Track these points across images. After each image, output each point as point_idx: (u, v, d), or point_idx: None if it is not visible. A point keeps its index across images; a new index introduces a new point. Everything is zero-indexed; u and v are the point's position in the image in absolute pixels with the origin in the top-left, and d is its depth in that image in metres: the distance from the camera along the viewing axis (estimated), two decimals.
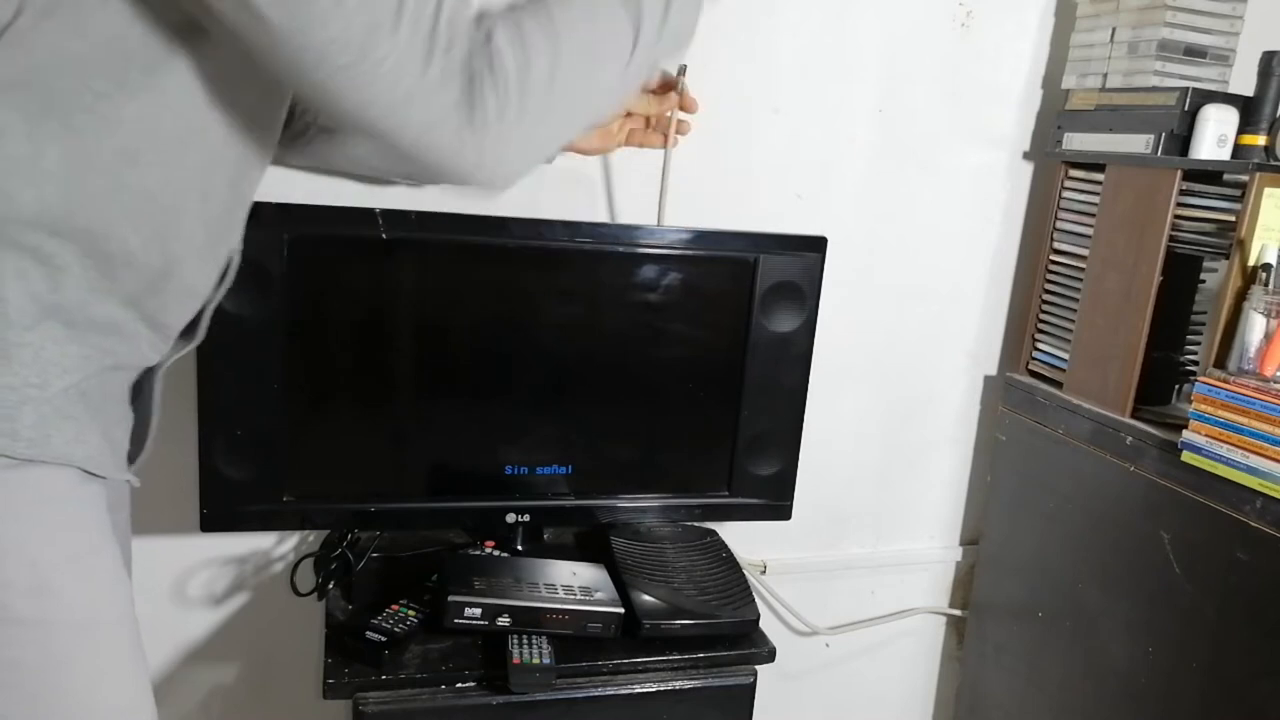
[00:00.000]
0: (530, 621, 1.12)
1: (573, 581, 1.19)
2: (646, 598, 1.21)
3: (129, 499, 1.01)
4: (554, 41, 0.78)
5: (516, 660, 1.08)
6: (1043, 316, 1.56)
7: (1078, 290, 1.47)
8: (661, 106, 1.27)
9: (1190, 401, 1.22)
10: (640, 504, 1.35)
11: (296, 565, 1.30)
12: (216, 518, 1.19)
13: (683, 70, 1.27)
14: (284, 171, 1.22)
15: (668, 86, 1.28)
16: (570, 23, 0.80)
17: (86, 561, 0.81)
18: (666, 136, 1.29)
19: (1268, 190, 1.20)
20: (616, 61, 0.83)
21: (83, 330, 0.78)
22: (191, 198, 0.82)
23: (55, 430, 0.78)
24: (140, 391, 0.92)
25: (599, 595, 1.17)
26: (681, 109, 1.28)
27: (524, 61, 0.76)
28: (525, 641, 1.12)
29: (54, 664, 0.77)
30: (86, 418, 0.79)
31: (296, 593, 1.27)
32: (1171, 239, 1.31)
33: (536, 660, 1.09)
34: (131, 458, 0.93)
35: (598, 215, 1.42)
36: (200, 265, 0.87)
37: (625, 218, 1.41)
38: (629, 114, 1.27)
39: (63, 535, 0.79)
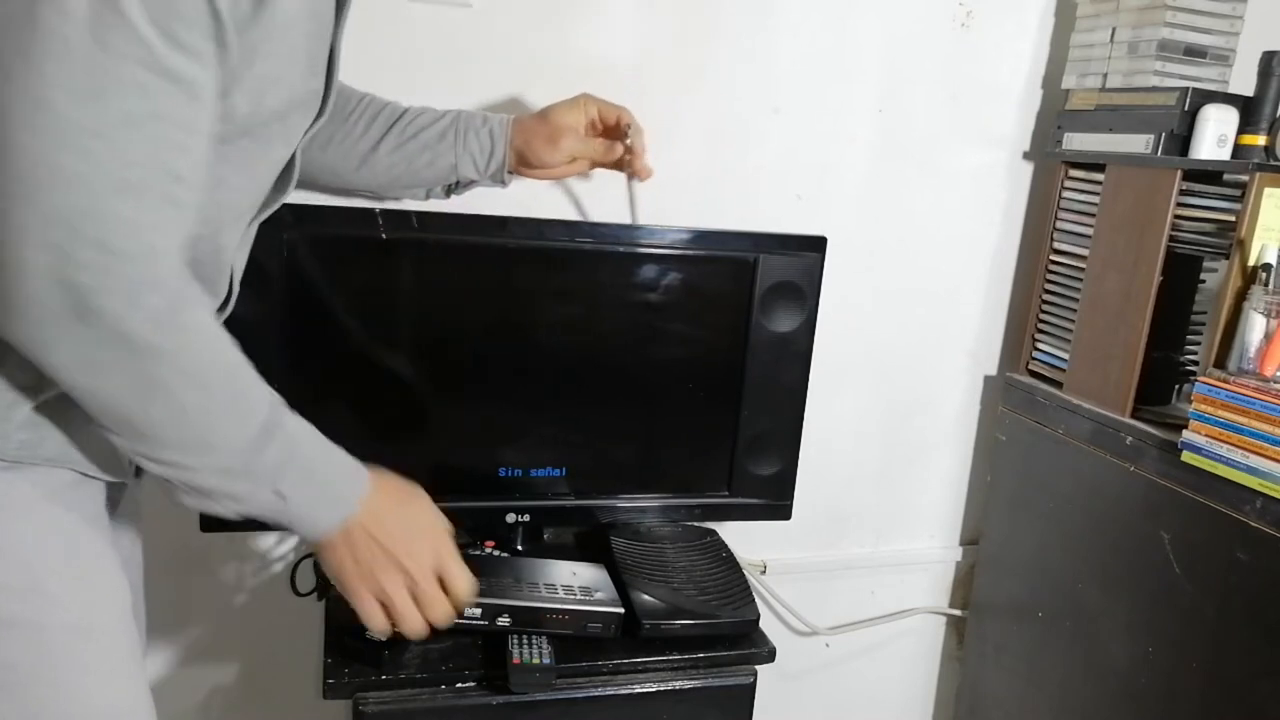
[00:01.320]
0: (530, 621, 1.12)
1: (573, 581, 1.19)
2: (646, 598, 1.20)
3: (137, 499, 1.00)
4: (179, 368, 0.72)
5: (516, 660, 1.08)
6: (1043, 316, 1.56)
7: (1078, 290, 1.47)
8: (610, 156, 1.23)
9: (1190, 401, 1.22)
10: (640, 504, 1.35)
11: (296, 565, 1.30)
12: (216, 518, 1.19)
13: (629, 128, 1.22)
14: None
15: (614, 132, 1.23)
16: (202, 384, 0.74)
17: (80, 563, 0.80)
18: (635, 169, 1.25)
19: (1268, 190, 1.20)
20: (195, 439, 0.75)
21: None
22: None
23: (49, 432, 0.78)
24: None
25: (599, 595, 1.17)
26: (632, 170, 1.25)
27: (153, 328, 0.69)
28: (525, 642, 1.11)
29: (48, 666, 0.77)
30: (82, 419, 0.79)
31: (296, 593, 1.27)
32: (1171, 239, 1.31)
33: (536, 660, 1.09)
34: None
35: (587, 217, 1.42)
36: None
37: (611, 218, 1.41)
38: (574, 159, 1.22)
39: (56, 537, 0.79)
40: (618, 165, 1.26)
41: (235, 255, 0.91)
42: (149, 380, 0.70)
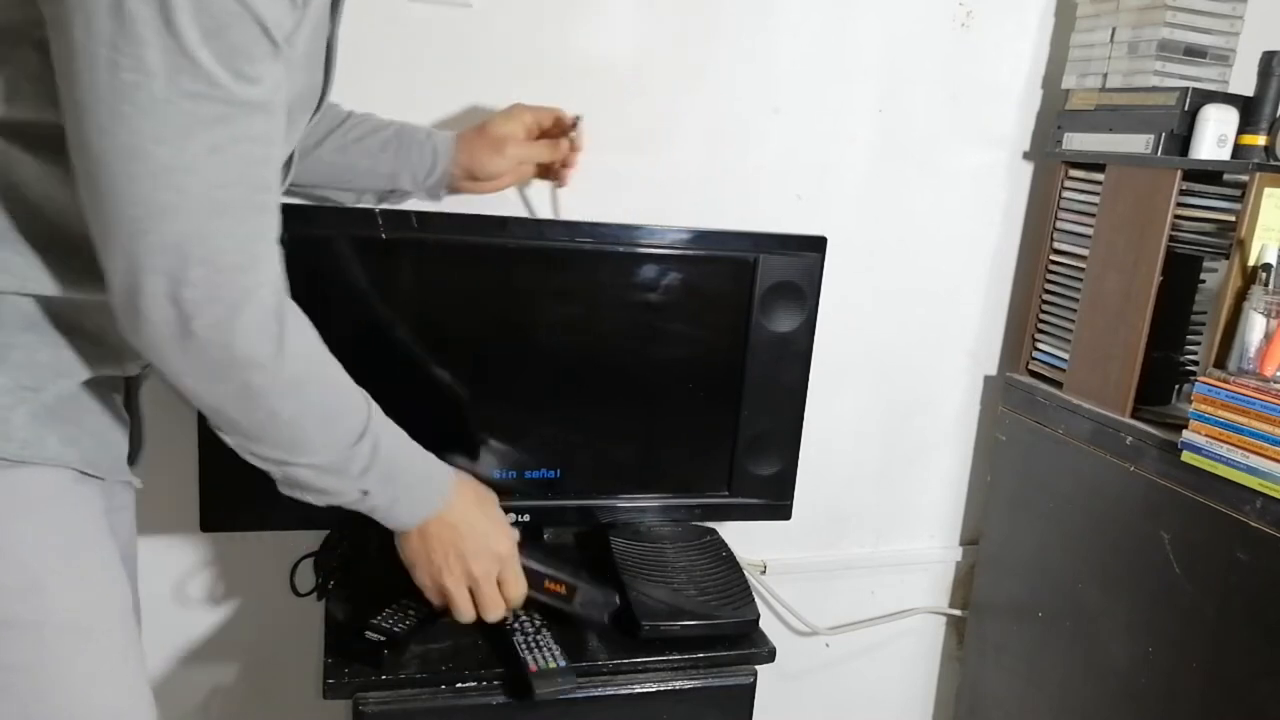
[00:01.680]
0: (531, 585, 1.11)
1: (563, 567, 1.18)
2: (646, 598, 1.20)
3: (133, 500, 1.01)
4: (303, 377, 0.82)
5: (534, 668, 1.08)
6: (1043, 316, 1.56)
7: (1078, 290, 1.47)
8: (555, 154, 1.27)
9: (1190, 401, 1.22)
10: (640, 504, 1.35)
11: (296, 565, 1.30)
12: (216, 518, 1.19)
13: (578, 120, 1.26)
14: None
15: (563, 130, 1.27)
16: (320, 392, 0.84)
17: (80, 562, 0.81)
18: (559, 176, 1.29)
19: (1268, 190, 1.20)
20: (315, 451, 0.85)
21: (75, 335, 0.79)
22: None
23: (49, 432, 0.78)
24: (132, 397, 0.92)
25: (591, 580, 1.17)
26: (570, 151, 1.28)
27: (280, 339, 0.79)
28: (533, 647, 1.11)
29: (47, 666, 0.77)
30: (81, 419, 0.79)
31: (296, 593, 1.27)
32: (1171, 239, 1.31)
33: (552, 664, 1.09)
34: (132, 459, 0.93)
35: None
36: None
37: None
38: (520, 163, 1.26)
39: (56, 536, 0.79)
40: (553, 171, 1.29)
41: None
42: (250, 389, 0.78)
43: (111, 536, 0.86)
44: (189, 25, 0.66)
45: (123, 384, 0.90)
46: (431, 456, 0.96)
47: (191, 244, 0.71)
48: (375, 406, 0.90)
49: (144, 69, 0.67)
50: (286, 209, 1.13)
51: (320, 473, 0.85)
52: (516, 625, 1.14)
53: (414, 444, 0.94)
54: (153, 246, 0.70)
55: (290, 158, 0.93)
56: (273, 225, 0.78)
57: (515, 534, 1.06)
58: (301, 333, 0.81)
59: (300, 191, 1.20)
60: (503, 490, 1.28)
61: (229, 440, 0.82)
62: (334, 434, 0.85)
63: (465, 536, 0.99)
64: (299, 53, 0.80)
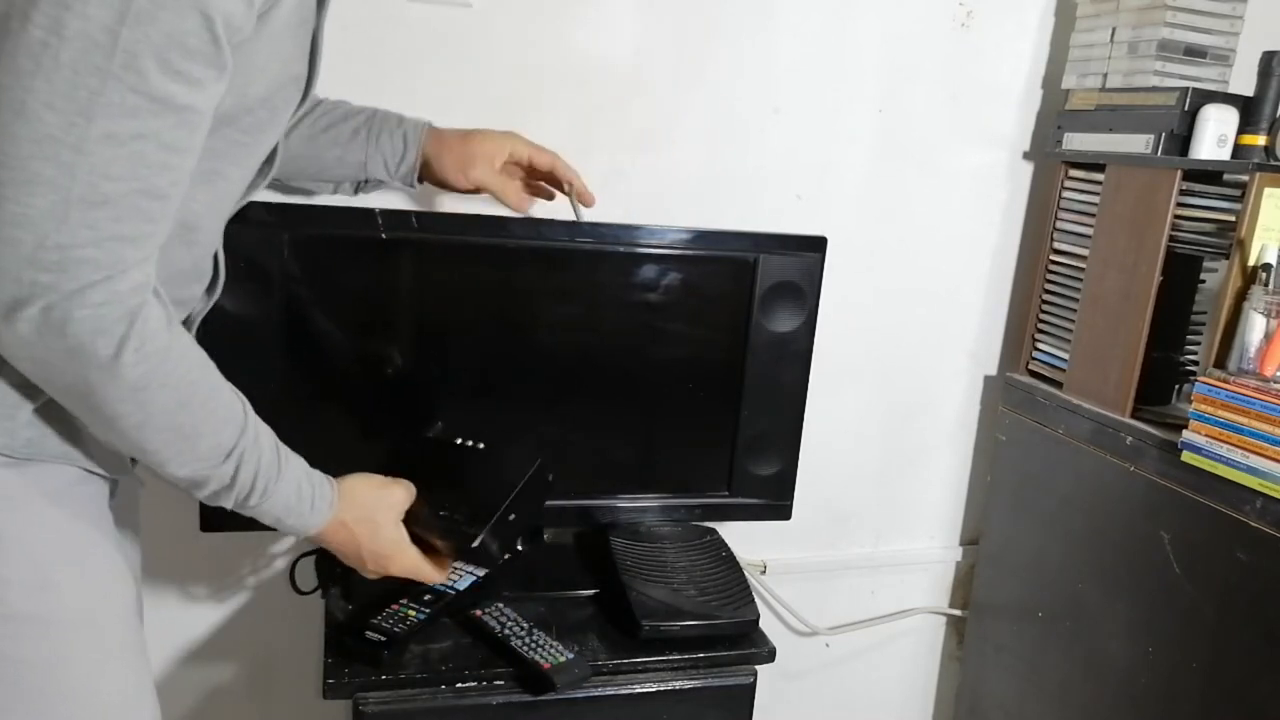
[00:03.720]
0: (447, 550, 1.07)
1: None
2: (646, 598, 1.20)
3: (138, 497, 1.01)
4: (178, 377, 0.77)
5: (547, 665, 1.09)
6: (1043, 316, 1.56)
7: (1078, 290, 1.47)
8: (519, 204, 1.21)
9: (1190, 401, 1.22)
10: (640, 504, 1.35)
11: (296, 564, 1.30)
12: (216, 518, 1.18)
13: (570, 189, 1.22)
14: None
15: (539, 175, 1.22)
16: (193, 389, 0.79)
17: (86, 558, 0.81)
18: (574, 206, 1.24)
19: (1268, 190, 1.20)
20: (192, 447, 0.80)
21: None
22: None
23: (54, 429, 0.78)
24: None
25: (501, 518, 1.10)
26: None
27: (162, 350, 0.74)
28: (535, 647, 1.12)
29: (54, 659, 0.78)
30: None
31: (297, 592, 1.27)
32: (1171, 239, 1.31)
33: (562, 658, 1.10)
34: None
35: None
36: (185, 282, 0.89)
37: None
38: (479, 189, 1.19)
39: (62, 532, 0.80)
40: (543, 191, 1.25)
41: (219, 240, 0.93)
42: (89, 387, 0.72)
43: (117, 534, 0.87)
44: None
45: None
46: (309, 474, 0.91)
47: (50, 225, 0.66)
48: (253, 428, 0.83)
49: (58, 30, 0.63)
50: (288, 209, 1.13)
51: (190, 483, 0.81)
52: (507, 631, 1.15)
53: (291, 465, 0.88)
54: (9, 216, 0.65)
55: (274, 152, 0.92)
56: (152, 234, 0.72)
57: (411, 497, 1.02)
58: (159, 347, 0.74)
59: (276, 185, 1.16)
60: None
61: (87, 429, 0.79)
62: (192, 451, 0.79)
63: (363, 549, 0.97)
64: (280, 49, 0.80)
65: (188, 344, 0.78)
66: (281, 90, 0.84)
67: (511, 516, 1.07)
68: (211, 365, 0.81)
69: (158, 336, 0.73)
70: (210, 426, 0.80)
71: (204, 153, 0.79)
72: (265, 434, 0.85)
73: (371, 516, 0.97)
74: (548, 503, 1.31)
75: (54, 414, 0.78)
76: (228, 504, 0.85)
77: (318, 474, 0.92)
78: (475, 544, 1.02)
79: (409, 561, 1.01)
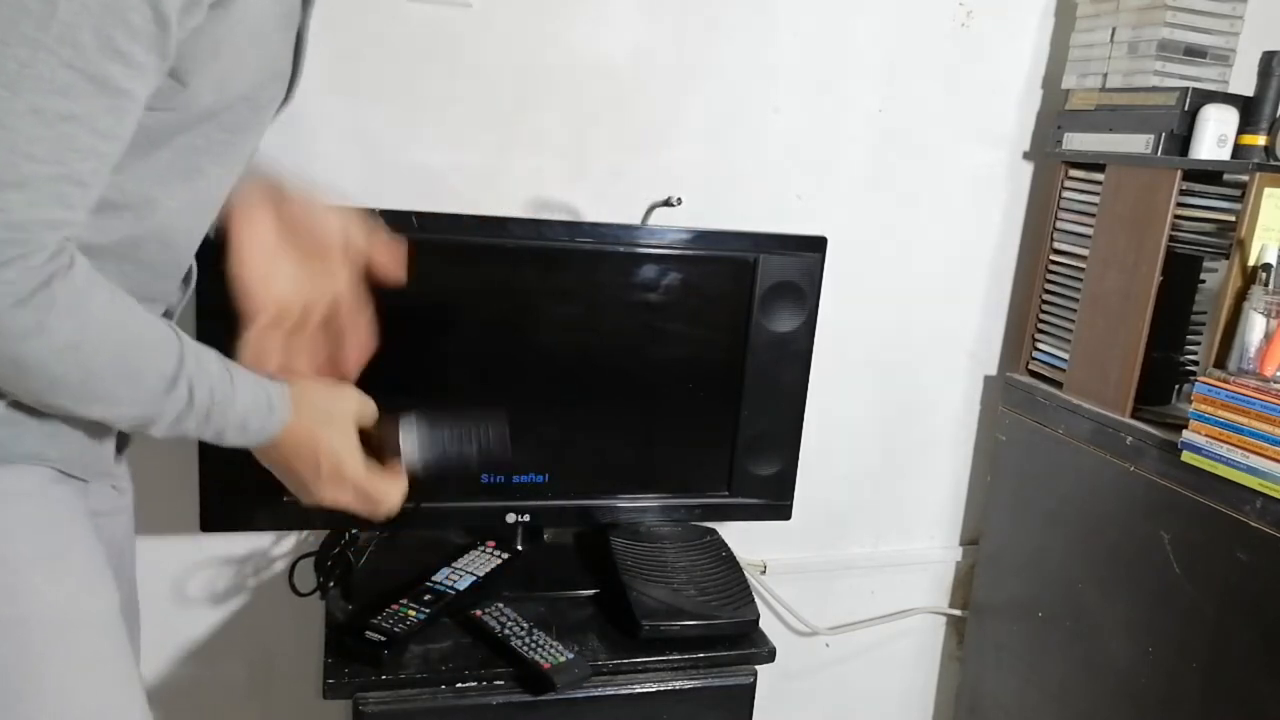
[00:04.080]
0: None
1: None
2: (646, 598, 1.21)
3: (129, 504, 0.99)
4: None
5: (547, 665, 1.09)
6: (1043, 316, 1.56)
7: (1078, 290, 1.47)
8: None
9: (1190, 401, 1.22)
10: (640, 504, 1.35)
11: (295, 565, 1.30)
12: (216, 518, 1.19)
13: None
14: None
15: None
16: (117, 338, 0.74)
17: (62, 560, 0.79)
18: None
19: (1268, 190, 1.20)
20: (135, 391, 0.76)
21: None
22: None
23: (25, 429, 0.76)
24: None
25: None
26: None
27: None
28: (535, 647, 1.12)
29: (30, 662, 0.75)
30: (61, 417, 0.77)
31: (296, 593, 1.27)
32: (1171, 239, 1.31)
33: (562, 658, 1.10)
34: (121, 447, 0.91)
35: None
36: (162, 280, 0.87)
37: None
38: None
39: (36, 534, 0.78)
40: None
41: (198, 240, 0.89)
42: (25, 359, 0.69)
43: (96, 537, 0.84)
44: None
45: None
46: (259, 379, 0.84)
47: None
48: (190, 346, 0.79)
49: None
50: None
51: (133, 421, 0.77)
52: (507, 631, 1.15)
53: (240, 372, 0.82)
54: None
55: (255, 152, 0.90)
56: (70, 222, 0.68)
57: (361, 401, 0.94)
58: (84, 300, 0.70)
59: None
60: (506, 488, 1.29)
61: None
62: (142, 387, 0.75)
63: (322, 443, 0.88)
64: (263, 44, 0.78)
65: (104, 285, 0.74)
66: (264, 87, 0.83)
67: (446, 435, 0.98)
68: (129, 299, 0.76)
69: (81, 291, 0.70)
70: (151, 360, 0.76)
71: (184, 149, 0.77)
72: (204, 350, 0.81)
73: (329, 410, 0.90)
74: (547, 503, 1.31)
75: (25, 413, 0.76)
76: (191, 428, 0.79)
77: (266, 378, 0.86)
78: (403, 430, 0.93)
79: (359, 470, 0.90)
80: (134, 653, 0.91)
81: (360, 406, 0.93)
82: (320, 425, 0.89)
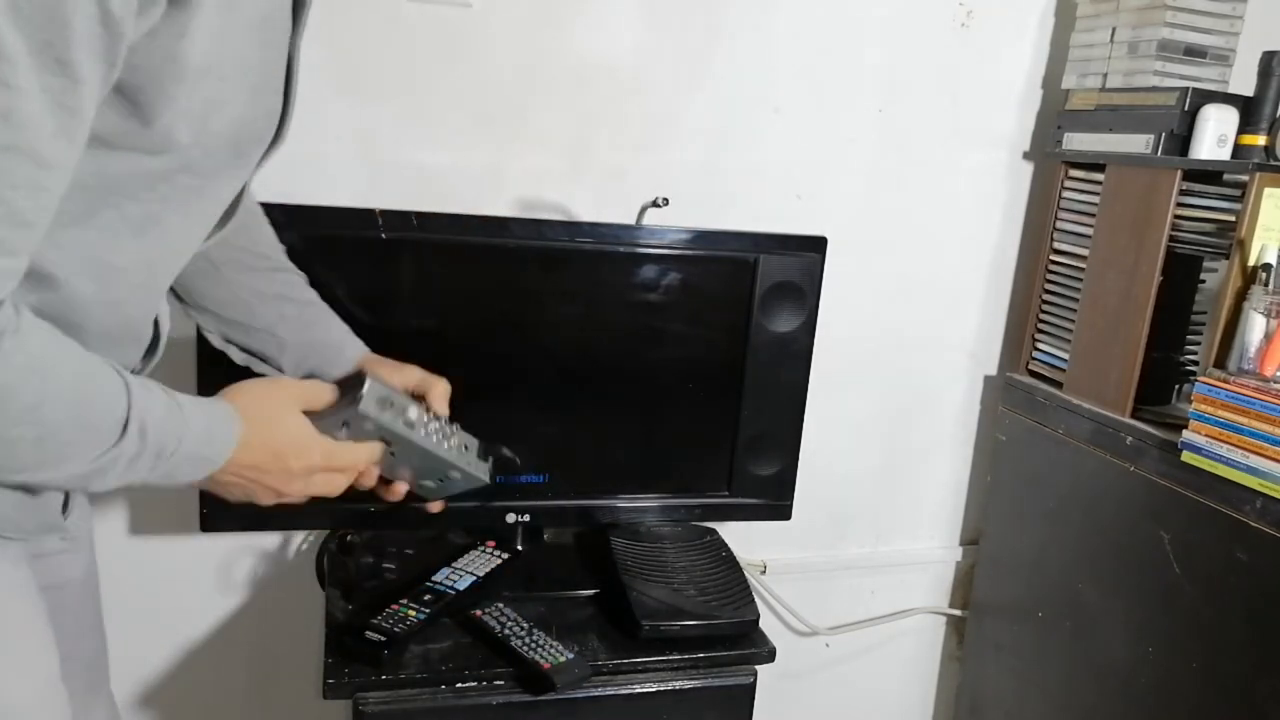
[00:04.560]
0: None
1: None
2: (646, 598, 1.20)
3: (85, 535, 0.92)
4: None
5: (547, 665, 1.09)
6: (1043, 316, 1.56)
7: (1078, 290, 1.47)
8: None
9: (1190, 401, 1.22)
10: (640, 504, 1.35)
11: (297, 563, 1.30)
12: (216, 518, 1.19)
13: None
14: (284, 172, 1.22)
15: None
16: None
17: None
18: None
19: (1268, 190, 1.20)
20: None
21: None
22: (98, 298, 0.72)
23: None
24: None
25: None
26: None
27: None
28: (535, 647, 1.12)
29: None
30: None
31: (297, 591, 1.27)
32: (1171, 239, 1.31)
33: (562, 658, 1.10)
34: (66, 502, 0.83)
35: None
36: (113, 347, 0.76)
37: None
38: None
39: None
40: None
41: (161, 300, 0.82)
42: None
43: (30, 596, 0.76)
44: None
45: None
46: (201, 400, 0.75)
47: None
48: (134, 381, 0.68)
49: None
50: (288, 209, 1.13)
51: (79, 480, 0.67)
52: (507, 631, 1.15)
53: (183, 397, 0.73)
54: None
55: (236, 200, 0.79)
56: (12, 271, 0.58)
57: (302, 386, 0.87)
58: (27, 354, 0.61)
59: (191, 308, 0.96)
60: (506, 488, 1.29)
61: None
62: (92, 441, 0.66)
63: (280, 447, 0.81)
64: (240, 60, 0.68)
65: (53, 333, 0.65)
66: (250, 125, 0.72)
67: (412, 411, 0.94)
68: (72, 343, 0.66)
69: (23, 345, 0.61)
70: (102, 403, 0.66)
71: (143, 195, 0.68)
72: (147, 383, 0.71)
73: (271, 408, 0.82)
74: (547, 503, 1.31)
75: None
76: (146, 468, 0.70)
77: (196, 397, 0.76)
78: (363, 388, 0.87)
79: (324, 448, 0.84)
80: (95, 699, 0.88)
81: (302, 392, 0.86)
82: (269, 424, 0.80)
